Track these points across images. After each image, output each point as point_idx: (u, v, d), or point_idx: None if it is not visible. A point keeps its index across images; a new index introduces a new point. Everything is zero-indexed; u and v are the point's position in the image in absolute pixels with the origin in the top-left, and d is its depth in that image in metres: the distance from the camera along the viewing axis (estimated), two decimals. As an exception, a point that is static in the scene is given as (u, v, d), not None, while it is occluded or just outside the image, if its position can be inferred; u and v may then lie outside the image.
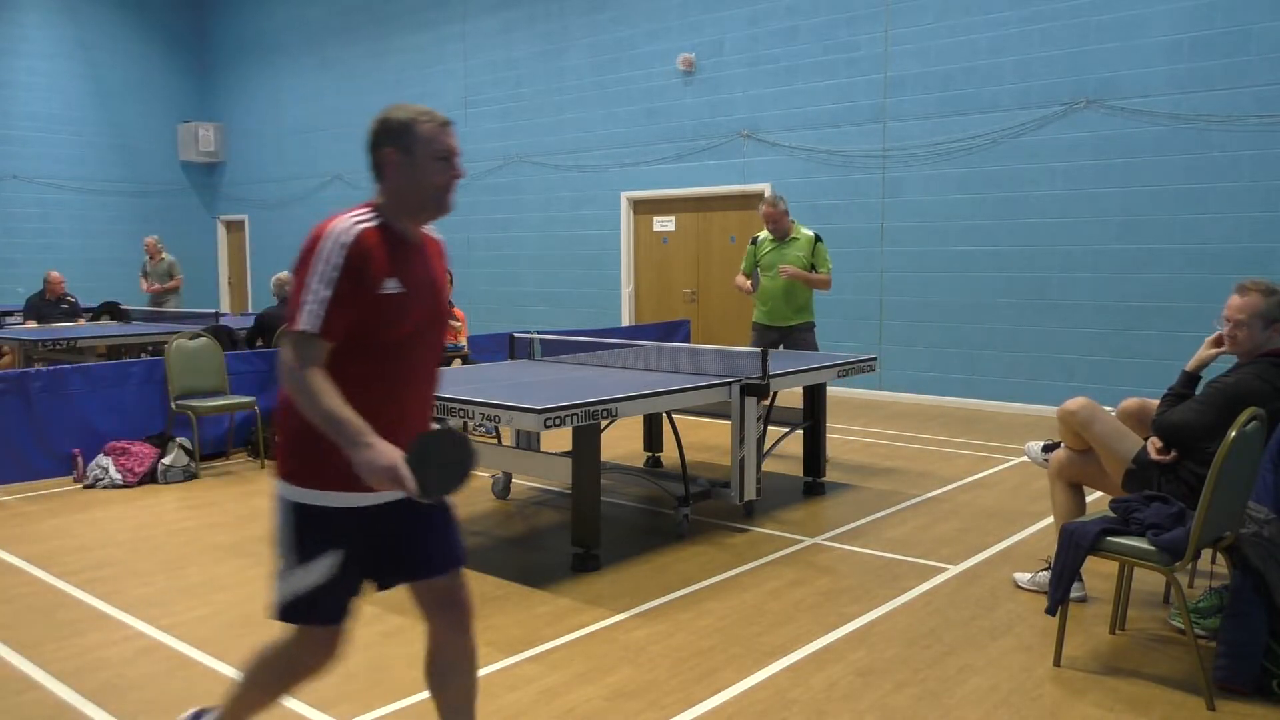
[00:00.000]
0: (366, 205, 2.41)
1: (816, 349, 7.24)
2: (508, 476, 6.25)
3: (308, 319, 2.26)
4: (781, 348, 7.10)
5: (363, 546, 2.43)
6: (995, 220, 9.58)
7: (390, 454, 2.21)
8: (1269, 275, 7.72)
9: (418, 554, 2.51)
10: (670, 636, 3.94)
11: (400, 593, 4.42)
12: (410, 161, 2.38)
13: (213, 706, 2.75)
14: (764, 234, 7.22)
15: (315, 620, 2.44)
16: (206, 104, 18.33)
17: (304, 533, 2.37)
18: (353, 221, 2.32)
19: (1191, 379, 4.02)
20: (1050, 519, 5.33)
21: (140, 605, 4.34)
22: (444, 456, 2.27)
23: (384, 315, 2.32)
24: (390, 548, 2.48)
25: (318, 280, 2.26)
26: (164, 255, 12.49)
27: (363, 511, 2.40)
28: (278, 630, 2.51)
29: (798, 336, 7.15)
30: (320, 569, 2.36)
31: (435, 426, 2.34)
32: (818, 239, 7.10)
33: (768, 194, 7.56)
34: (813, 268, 7.04)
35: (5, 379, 6.68)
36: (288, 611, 2.41)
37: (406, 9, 14.87)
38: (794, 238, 7.09)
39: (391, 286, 2.33)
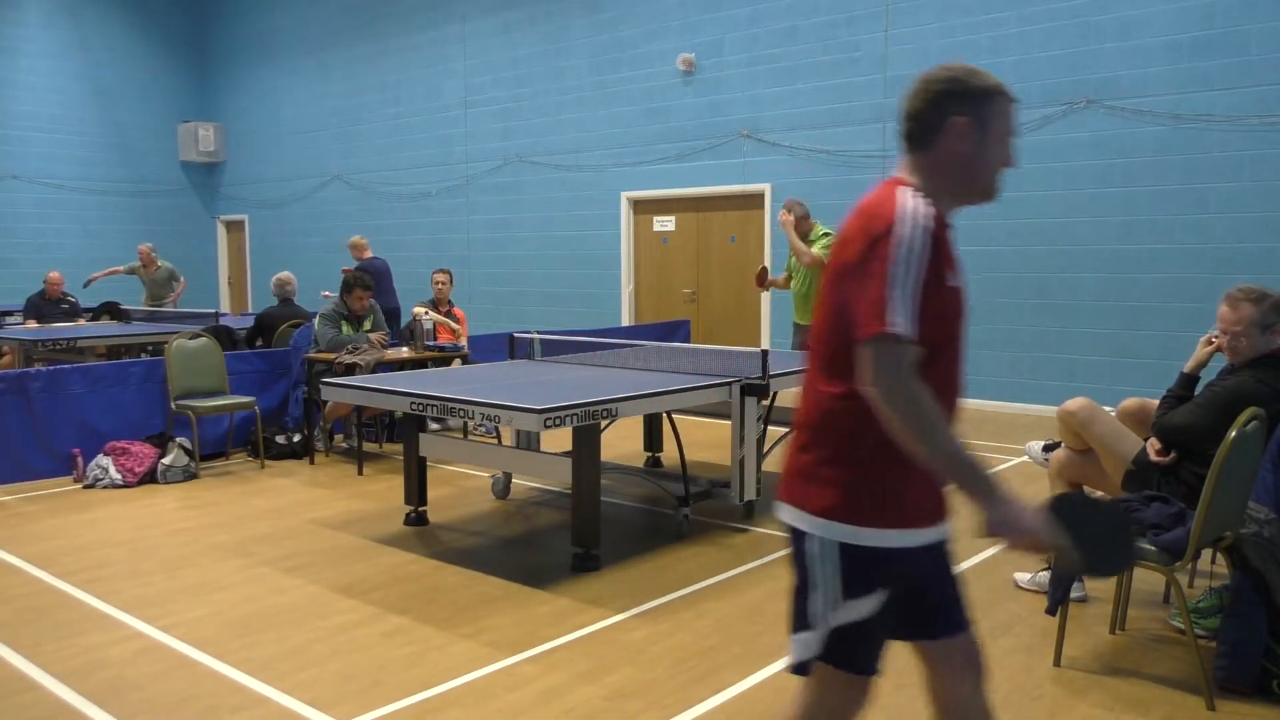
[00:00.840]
0: (901, 182, 2.05)
1: None
2: (508, 476, 6.26)
3: (904, 320, 1.86)
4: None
5: (903, 589, 2.08)
6: (995, 220, 9.57)
7: (1033, 514, 1.92)
8: (1269, 275, 7.74)
9: (946, 604, 2.16)
10: (670, 636, 3.94)
11: (399, 592, 4.44)
12: (981, 138, 2.03)
13: None
14: None
15: (851, 665, 2.07)
16: (206, 104, 18.33)
17: (850, 575, 2.01)
18: (922, 200, 1.96)
19: (1190, 380, 4.03)
20: (1050, 519, 5.32)
21: (140, 605, 4.34)
22: (1093, 529, 2.00)
23: (953, 313, 1.99)
24: (923, 595, 2.13)
25: (903, 270, 1.87)
26: (160, 263, 12.40)
27: (912, 552, 2.05)
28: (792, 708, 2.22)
29: None
30: (862, 608, 2.02)
31: (1082, 494, 2.03)
32: (825, 234, 7.31)
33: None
34: None
35: (5, 379, 6.68)
36: (824, 652, 2.07)
37: (406, 9, 14.87)
38: (812, 240, 7.29)
39: (954, 279, 1.98)
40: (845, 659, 2.07)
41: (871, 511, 2.00)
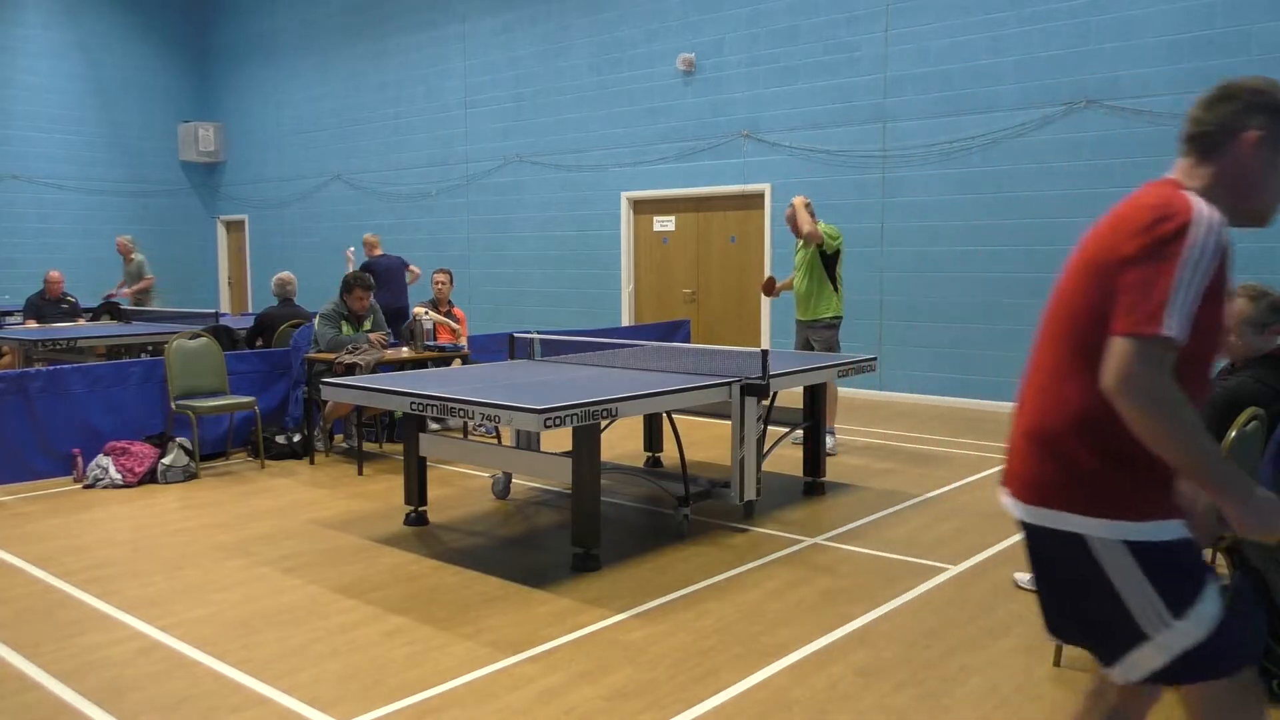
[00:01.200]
0: (1179, 185, 1.98)
1: (834, 348, 7.49)
2: (508, 476, 6.26)
3: (1178, 323, 1.77)
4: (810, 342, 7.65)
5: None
6: (995, 220, 9.58)
7: None
8: (1270, 275, 7.74)
9: None
10: (670, 636, 3.94)
11: (399, 592, 4.44)
12: (1272, 156, 1.97)
13: None
14: None
15: (1237, 665, 1.94)
16: (206, 104, 18.34)
17: (1162, 574, 1.90)
18: (1211, 205, 1.88)
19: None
20: (1050, 519, 5.32)
21: (140, 605, 4.34)
22: None
23: (1221, 327, 1.92)
24: None
25: (1190, 274, 1.78)
26: (135, 256, 12.36)
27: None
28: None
29: (817, 333, 7.59)
30: (1210, 609, 1.89)
31: None
32: (829, 228, 7.56)
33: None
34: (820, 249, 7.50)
35: (5, 379, 6.68)
36: (1191, 669, 1.92)
37: (406, 9, 14.87)
38: None
39: (1227, 294, 1.90)
40: (1225, 663, 1.93)
41: (1149, 503, 1.92)
